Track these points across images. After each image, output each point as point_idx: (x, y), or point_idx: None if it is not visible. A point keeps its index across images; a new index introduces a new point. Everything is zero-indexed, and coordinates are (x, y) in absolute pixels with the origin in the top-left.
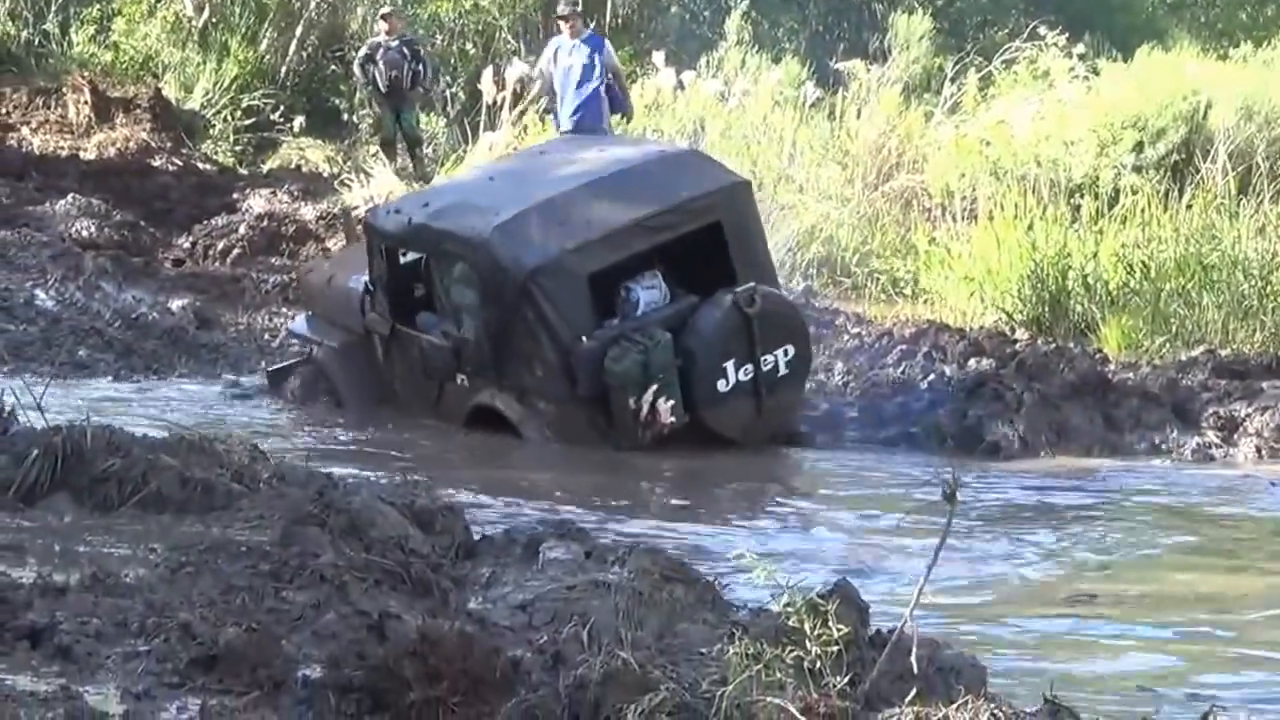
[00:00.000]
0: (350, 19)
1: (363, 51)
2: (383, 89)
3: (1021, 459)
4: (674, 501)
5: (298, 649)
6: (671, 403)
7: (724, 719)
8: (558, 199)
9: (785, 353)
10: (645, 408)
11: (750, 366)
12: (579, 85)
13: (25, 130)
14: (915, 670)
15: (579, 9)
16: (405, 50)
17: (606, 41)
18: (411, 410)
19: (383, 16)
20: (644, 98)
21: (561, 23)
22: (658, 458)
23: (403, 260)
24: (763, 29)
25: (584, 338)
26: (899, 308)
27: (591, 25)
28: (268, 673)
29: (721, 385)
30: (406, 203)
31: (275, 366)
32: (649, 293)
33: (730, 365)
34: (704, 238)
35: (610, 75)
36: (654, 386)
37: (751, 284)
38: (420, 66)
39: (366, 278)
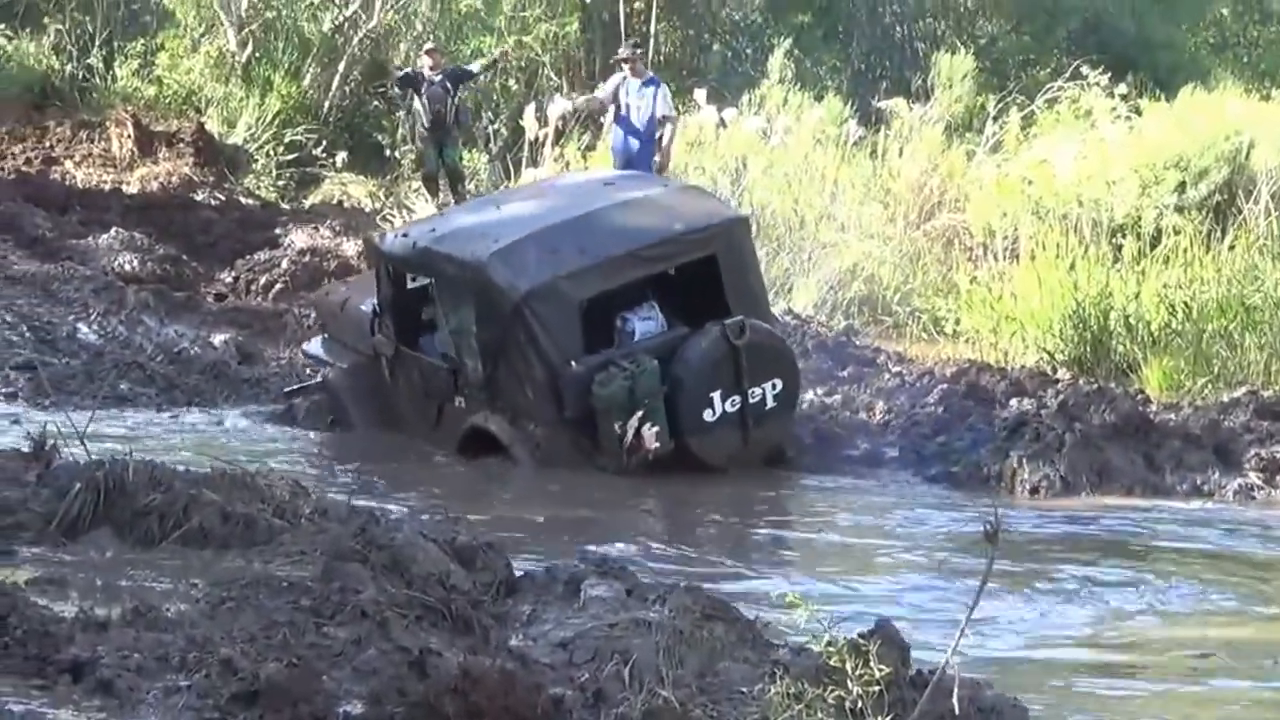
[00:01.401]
0: (393, 55)
1: (405, 70)
2: (426, 124)
3: (1063, 499)
4: (714, 538)
5: (339, 685)
6: (656, 429)
7: None
8: (556, 227)
9: (773, 386)
10: (630, 433)
11: (737, 398)
12: (635, 128)
13: (69, 164)
14: (957, 711)
15: (639, 51)
16: (448, 85)
17: (665, 87)
18: (415, 432)
19: (427, 52)
20: (686, 135)
21: (624, 65)
22: (696, 493)
23: (410, 285)
24: (805, 67)
25: (573, 362)
26: (940, 347)
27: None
28: (309, 708)
29: (708, 415)
30: (414, 228)
31: (291, 388)
32: (645, 323)
33: (717, 396)
34: (700, 271)
35: (661, 122)
36: (639, 412)
37: (740, 317)
38: (471, 77)
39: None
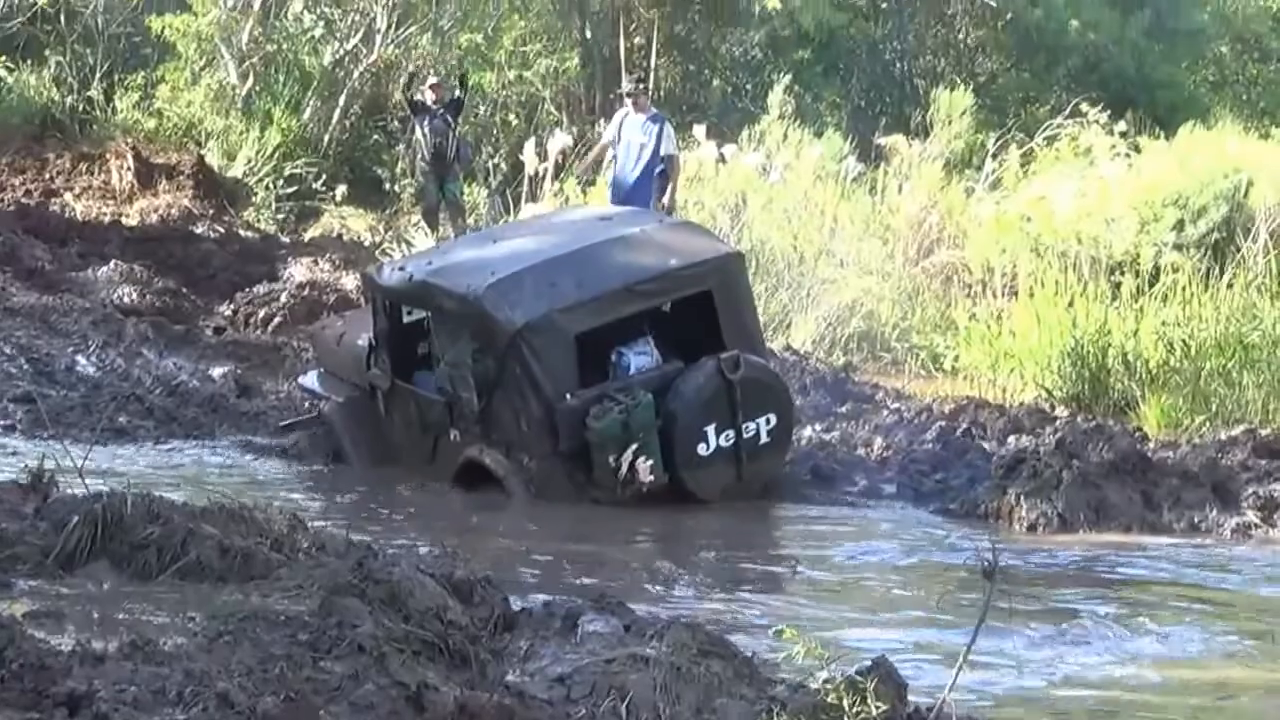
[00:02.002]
0: (393, 88)
1: (416, 97)
2: (427, 157)
3: (1061, 536)
4: (711, 574)
5: (336, 719)
6: (650, 462)
7: None
8: (552, 261)
9: (767, 421)
10: (625, 466)
11: (731, 432)
12: (634, 163)
13: (68, 196)
14: None
15: (643, 86)
16: (449, 119)
17: (669, 125)
18: (410, 465)
19: (431, 86)
20: (686, 170)
21: (627, 99)
22: (692, 527)
23: (407, 318)
24: (805, 103)
25: (568, 395)
26: (939, 383)
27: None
28: None
29: (702, 449)
30: (411, 261)
31: (287, 422)
32: (640, 358)
33: (711, 429)
34: (696, 306)
35: (663, 160)
36: (634, 445)
37: (736, 351)
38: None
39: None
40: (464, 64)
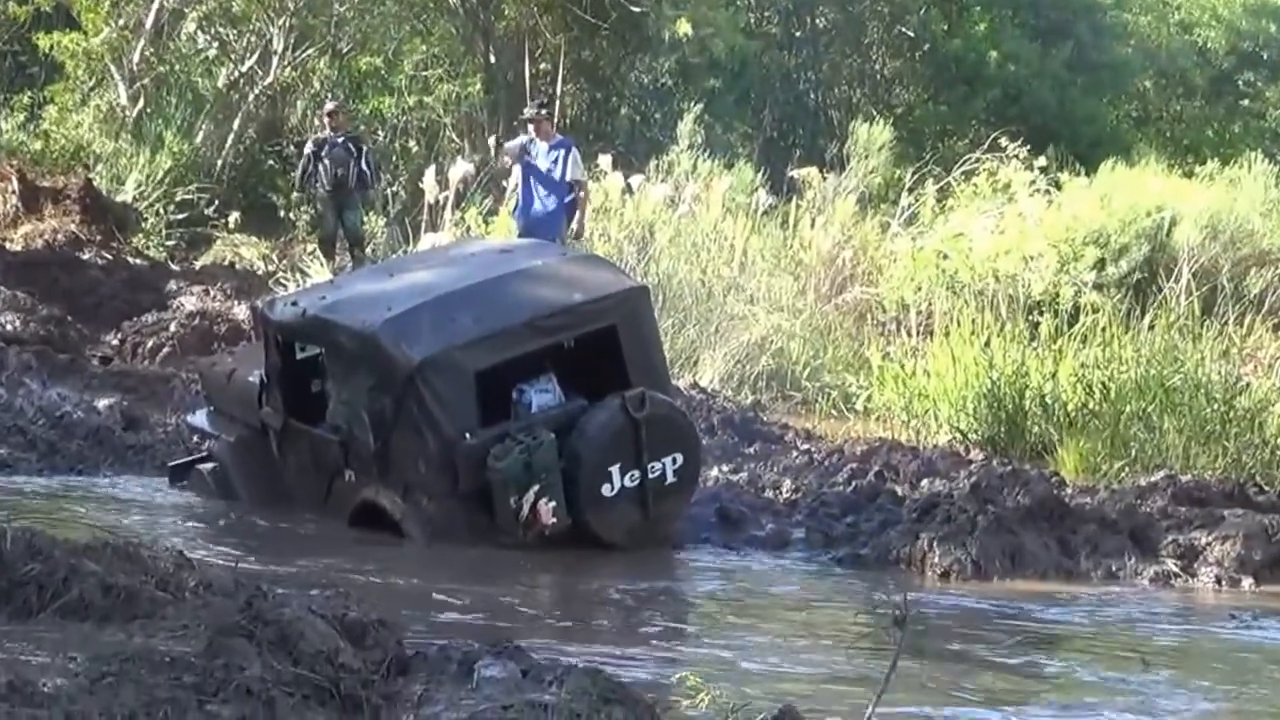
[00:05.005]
0: (290, 113)
1: (309, 148)
2: (327, 186)
3: (974, 583)
4: (613, 619)
5: None
6: (553, 504)
7: None
8: (451, 296)
9: (674, 461)
10: (526, 508)
11: (636, 472)
12: (544, 191)
13: None
14: None
15: (545, 112)
16: (351, 147)
17: (575, 151)
18: (303, 506)
19: (328, 114)
20: (591, 201)
21: (530, 125)
22: (595, 570)
23: (300, 355)
24: (715, 133)
25: (468, 434)
26: (850, 424)
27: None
28: None
29: (606, 490)
30: (304, 296)
31: (176, 462)
32: (542, 395)
33: (616, 470)
34: (599, 342)
35: (572, 186)
36: (536, 486)
37: (641, 389)
38: (365, 165)
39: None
40: (363, 88)
